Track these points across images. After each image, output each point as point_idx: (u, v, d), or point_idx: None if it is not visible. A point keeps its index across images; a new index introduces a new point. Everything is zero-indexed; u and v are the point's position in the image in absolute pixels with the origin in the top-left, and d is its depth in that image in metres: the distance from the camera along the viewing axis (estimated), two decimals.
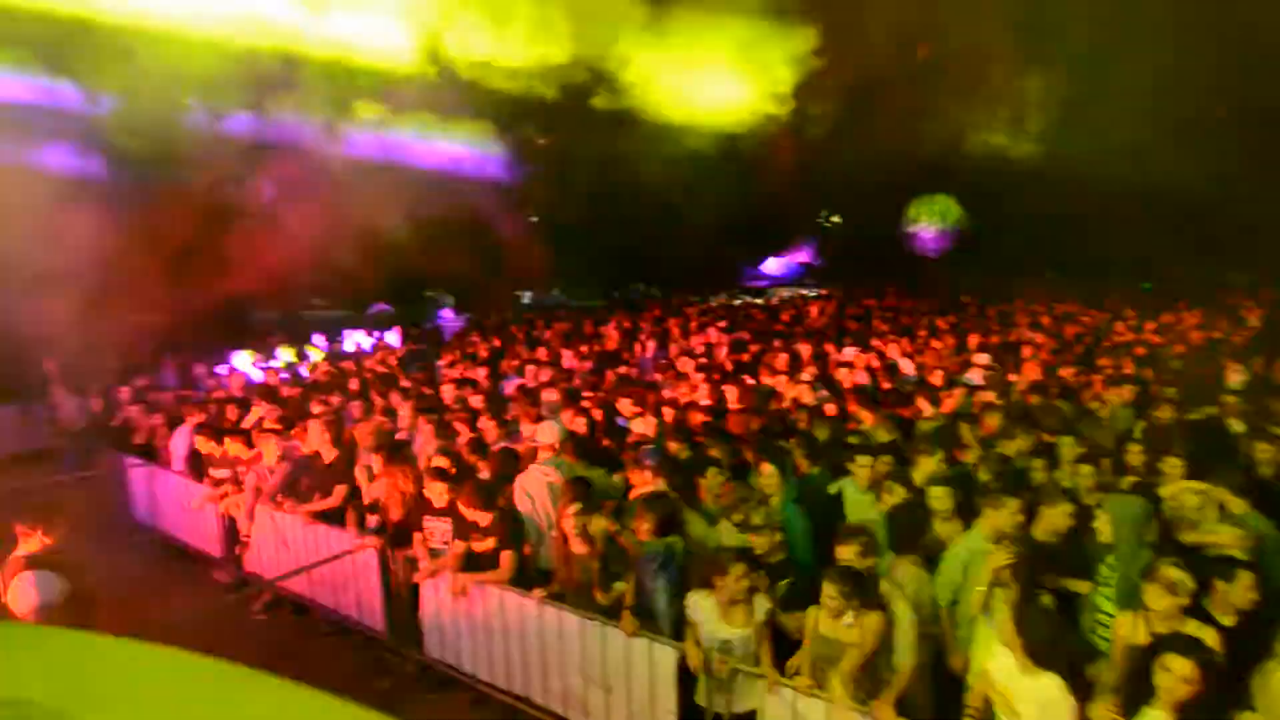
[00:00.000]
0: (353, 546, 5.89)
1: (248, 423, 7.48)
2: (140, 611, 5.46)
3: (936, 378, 8.25)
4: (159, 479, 7.73)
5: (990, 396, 7.26)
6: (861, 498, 4.98)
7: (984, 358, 9.30)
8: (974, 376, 8.35)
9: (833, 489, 5.19)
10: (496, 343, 13.17)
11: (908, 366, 9.32)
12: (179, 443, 7.50)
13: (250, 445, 6.78)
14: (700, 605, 3.94)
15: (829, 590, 3.56)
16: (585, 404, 7.29)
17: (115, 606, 5.07)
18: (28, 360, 9.49)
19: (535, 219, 20.49)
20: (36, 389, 9.65)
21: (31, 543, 4.73)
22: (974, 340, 11.12)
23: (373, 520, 6.01)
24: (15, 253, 8.01)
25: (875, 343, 11.17)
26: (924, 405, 7.08)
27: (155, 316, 10.34)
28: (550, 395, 7.69)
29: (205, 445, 6.96)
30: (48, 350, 9.36)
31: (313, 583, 6.13)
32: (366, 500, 6.10)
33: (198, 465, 7.21)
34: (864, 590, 3.59)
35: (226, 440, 6.81)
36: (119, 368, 9.81)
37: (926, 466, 5.13)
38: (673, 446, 5.82)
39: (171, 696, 0.64)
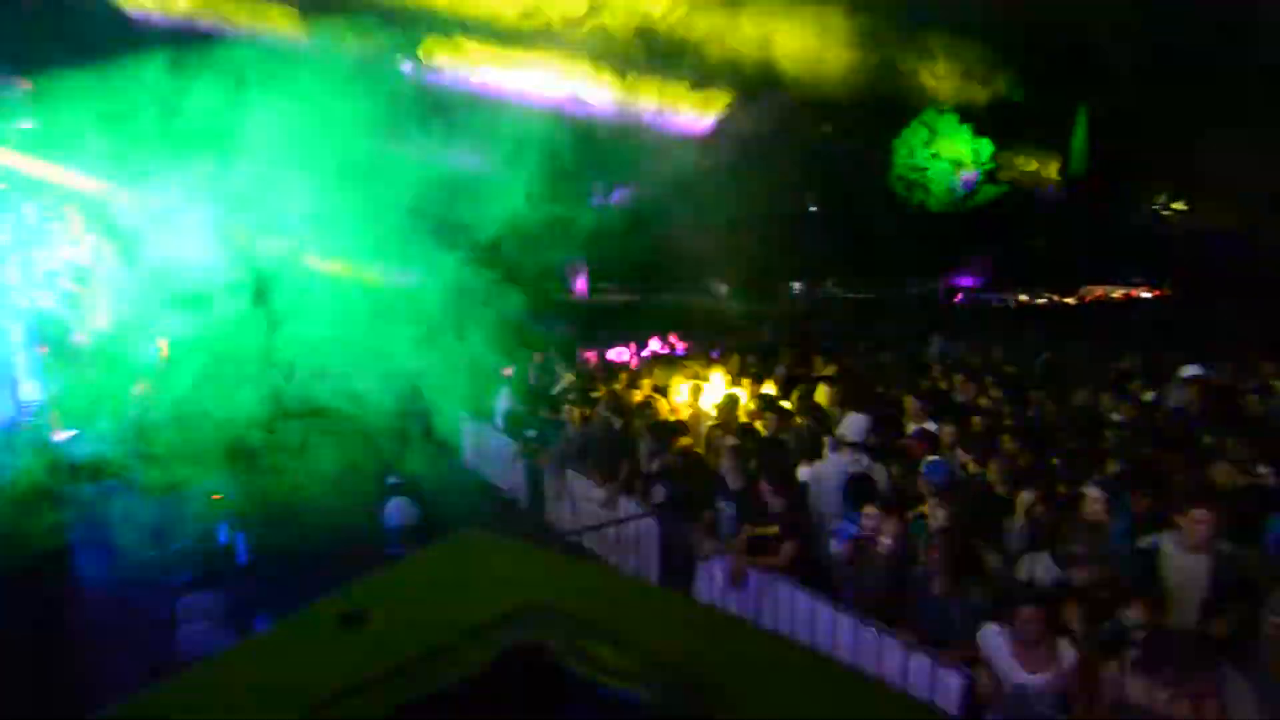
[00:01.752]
0: (635, 515, 6.39)
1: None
2: None
3: None
4: (484, 433, 9.13)
5: None
6: (1185, 560, 3.84)
7: None
8: None
9: (1144, 541, 4.14)
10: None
11: None
12: (501, 402, 8.79)
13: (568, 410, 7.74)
14: (995, 640, 3.58)
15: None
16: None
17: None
18: None
19: (814, 209, 20.15)
20: None
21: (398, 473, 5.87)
22: None
23: (657, 492, 6.45)
24: None
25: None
26: None
27: None
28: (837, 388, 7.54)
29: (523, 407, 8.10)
30: None
31: (600, 541, 6.78)
32: (646, 470, 6.57)
33: (513, 423, 8.40)
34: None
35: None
36: None
37: None
38: (964, 458, 5.36)
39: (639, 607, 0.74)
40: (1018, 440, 5.61)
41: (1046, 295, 20.40)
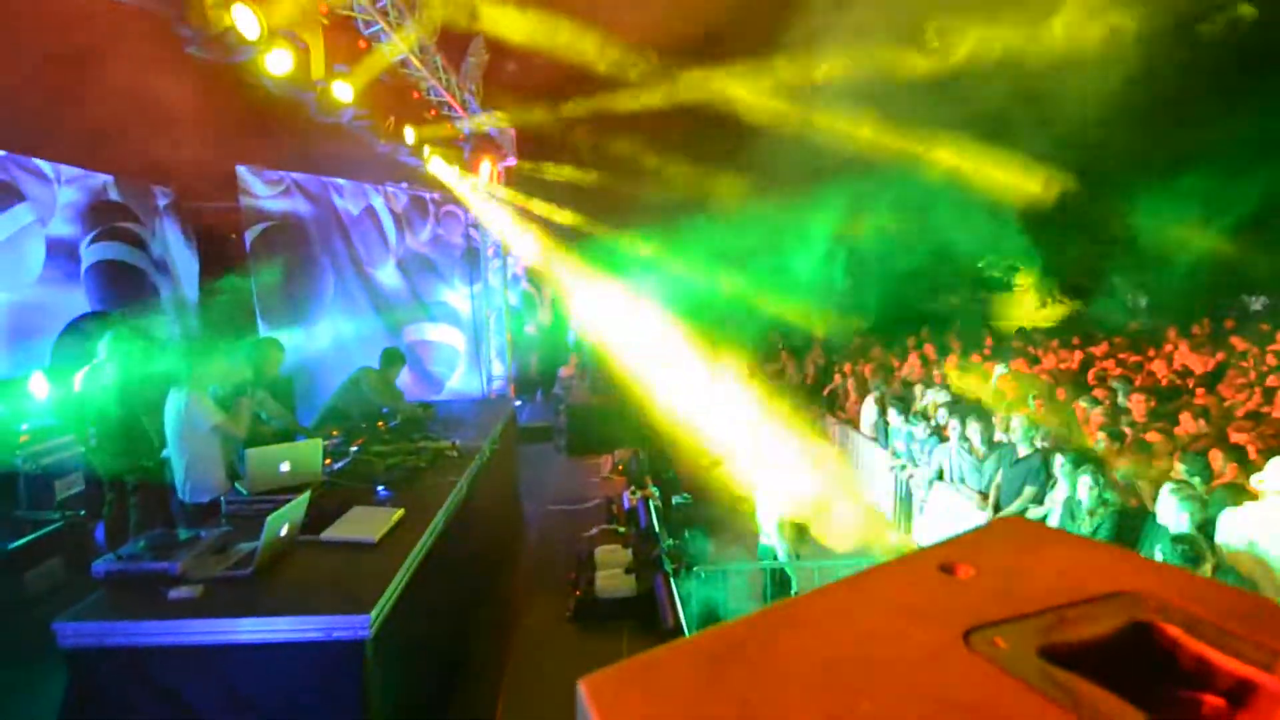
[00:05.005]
0: None
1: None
2: None
3: None
4: (850, 439, 9.11)
5: None
6: None
7: None
8: None
9: None
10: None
11: None
12: (868, 410, 8.65)
13: (929, 421, 7.33)
14: None
15: None
16: None
17: None
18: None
19: None
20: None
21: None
22: None
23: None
24: None
25: None
26: None
27: None
28: None
29: (891, 417, 7.85)
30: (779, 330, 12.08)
31: None
32: None
33: (883, 433, 8.20)
34: None
35: (910, 413, 7.52)
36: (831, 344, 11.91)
37: None
38: None
39: None
40: None
41: None
